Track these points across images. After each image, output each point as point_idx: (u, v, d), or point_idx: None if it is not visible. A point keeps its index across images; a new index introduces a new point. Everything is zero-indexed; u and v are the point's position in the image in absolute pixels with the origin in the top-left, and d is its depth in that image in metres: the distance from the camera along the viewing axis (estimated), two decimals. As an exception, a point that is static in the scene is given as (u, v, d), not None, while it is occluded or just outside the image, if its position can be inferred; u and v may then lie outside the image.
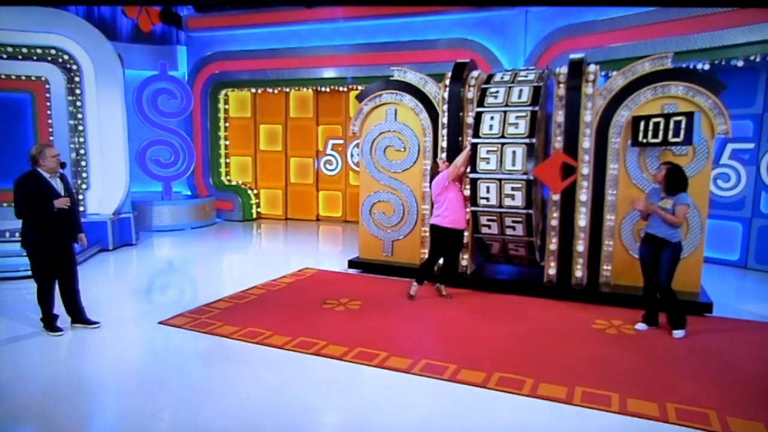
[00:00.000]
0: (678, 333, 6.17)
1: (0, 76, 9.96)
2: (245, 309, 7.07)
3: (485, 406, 4.64)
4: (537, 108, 7.54)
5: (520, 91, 7.77)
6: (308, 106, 14.56)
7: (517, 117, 7.61)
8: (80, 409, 4.61)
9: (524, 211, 7.59)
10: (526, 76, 7.98)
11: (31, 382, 5.09)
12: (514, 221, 7.70)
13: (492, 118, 7.74)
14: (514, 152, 7.56)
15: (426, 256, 8.58)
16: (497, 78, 8.17)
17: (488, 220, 7.87)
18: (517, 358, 5.58)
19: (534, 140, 7.46)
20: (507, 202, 7.63)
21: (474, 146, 7.70)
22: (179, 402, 4.70)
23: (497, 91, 7.89)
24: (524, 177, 7.49)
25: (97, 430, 4.41)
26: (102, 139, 10.77)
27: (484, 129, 7.75)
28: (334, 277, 8.79)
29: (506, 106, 7.73)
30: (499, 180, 7.63)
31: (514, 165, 7.55)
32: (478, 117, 7.84)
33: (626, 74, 7.37)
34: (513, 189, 7.57)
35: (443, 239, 7.50)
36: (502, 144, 7.62)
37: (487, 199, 7.73)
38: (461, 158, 7.47)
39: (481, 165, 7.71)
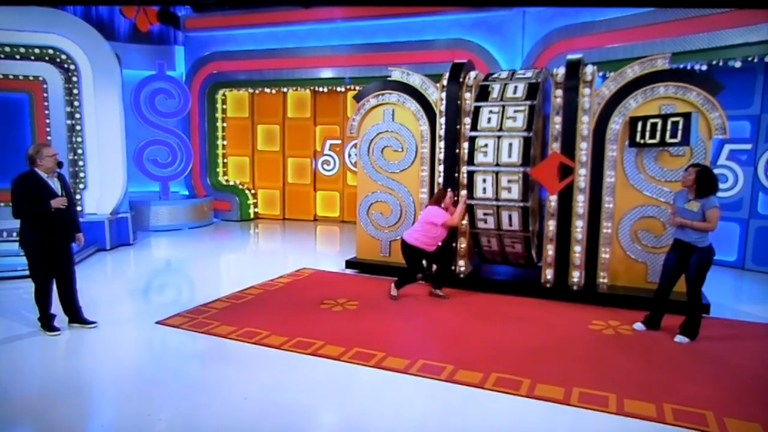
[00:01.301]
0: (682, 339, 6.09)
1: (-3, 75, 9.98)
2: (243, 309, 7.07)
3: (482, 406, 4.64)
4: (535, 102, 7.55)
5: (515, 87, 7.80)
6: (306, 107, 14.55)
7: (515, 111, 7.63)
8: (77, 408, 4.60)
9: (521, 204, 7.59)
10: (524, 74, 8.02)
11: (28, 381, 5.08)
12: (510, 214, 7.71)
13: (491, 111, 7.75)
14: (510, 144, 7.56)
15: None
16: (495, 75, 8.17)
17: (485, 213, 7.87)
18: (514, 358, 5.59)
19: (531, 134, 7.46)
20: (504, 194, 7.64)
21: (470, 187, 7.83)
22: (176, 402, 4.70)
23: (494, 88, 7.91)
24: (521, 169, 7.49)
25: (94, 430, 4.41)
26: (99, 139, 10.75)
27: (482, 123, 7.76)
28: (331, 278, 8.79)
29: (502, 100, 7.75)
30: (496, 173, 7.64)
31: (510, 157, 7.56)
32: (476, 111, 7.86)
33: (623, 75, 7.37)
34: (509, 182, 7.58)
35: (413, 255, 7.58)
36: (499, 136, 7.63)
37: (484, 190, 7.74)
38: (459, 214, 7.63)
39: (479, 157, 7.71)
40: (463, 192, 7.93)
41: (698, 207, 5.90)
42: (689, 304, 6.12)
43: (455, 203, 7.82)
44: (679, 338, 6.12)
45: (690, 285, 6.06)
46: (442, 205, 7.59)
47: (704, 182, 5.91)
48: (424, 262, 7.69)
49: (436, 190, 8.35)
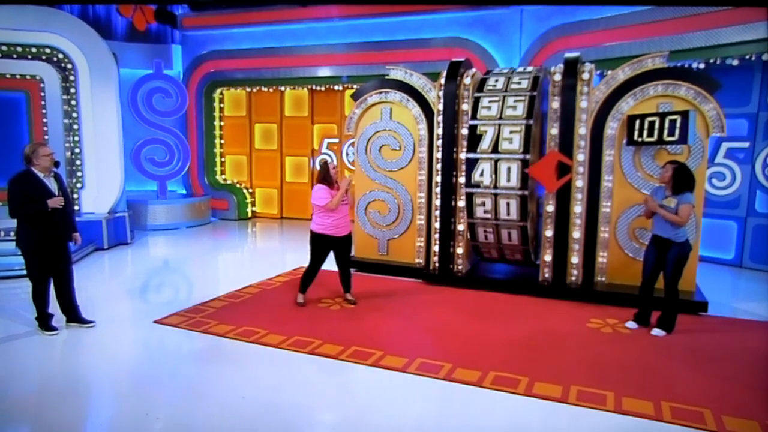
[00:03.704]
0: (658, 332, 6.21)
1: (-5, 75, 9.97)
2: (240, 308, 7.06)
3: (480, 405, 4.64)
4: (531, 121, 7.55)
5: (515, 102, 7.74)
6: (303, 105, 14.54)
7: (512, 132, 7.62)
8: (75, 408, 4.59)
9: (520, 223, 7.68)
10: (519, 83, 7.90)
11: (26, 381, 5.07)
12: (510, 232, 7.85)
13: (486, 132, 7.75)
14: (509, 168, 7.58)
15: (421, 258, 8.64)
16: (490, 84, 8.07)
17: (485, 231, 8.01)
18: (512, 357, 5.59)
19: (529, 156, 7.48)
20: (503, 215, 7.71)
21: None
22: (174, 401, 4.69)
23: (490, 106, 7.86)
24: (519, 192, 7.54)
25: (92, 429, 4.40)
26: (97, 138, 10.73)
27: (483, 146, 7.75)
28: (329, 276, 8.76)
29: (500, 119, 7.72)
30: (495, 195, 7.69)
31: (509, 181, 7.59)
32: (472, 130, 7.84)
33: (622, 73, 7.36)
34: (508, 204, 7.67)
35: (323, 246, 7.08)
36: (497, 159, 7.65)
37: (484, 211, 7.85)
38: (337, 197, 6.86)
39: (476, 179, 7.76)
40: (347, 176, 7.23)
41: (675, 203, 6.03)
42: (667, 298, 6.24)
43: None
44: (655, 331, 6.24)
45: (668, 279, 6.19)
46: (333, 180, 6.99)
47: (681, 178, 6.04)
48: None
49: (433, 188, 8.36)
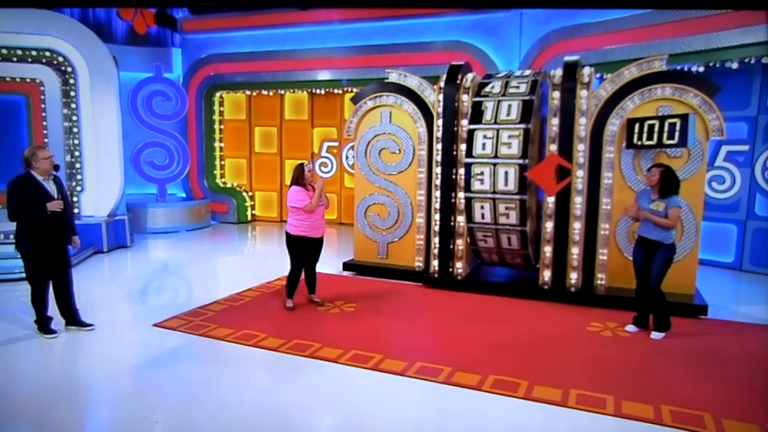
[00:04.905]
0: (657, 335, 6.23)
1: (-5, 78, 9.97)
2: (240, 311, 7.06)
3: (480, 408, 4.63)
4: (530, 125, 7.55)
5: (509, 106, 7.73)
6: (303, 109, 14.55)
7: (510, 136, 7.62)
8: (74, 411, 4.58)
9: (519, 228, 7.70)
10: (518, 87, 7.90)
11: (25, 384, 5.07)
12: (509, 236, 7.86)
13: (485, 136, 7.75)
14: (506, 172, 7.60)
15: (420, 262, 8.64)
16: (488, 89, 8.06)
17: (483, 235, 8.01)
18: (512, 360, 5.58)
19: (527, 161, 7.49)
20: (502, 220, 7.71)
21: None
22: (173, 404, 4.69)
23: (488, 110, 7.85)
24: (518, 197, 7.55)
25: (90, 434, 4.40)
26: (97, 141, 10.72)
27: (477, 149, 7.77)
28: (328, 280, 8.76)
29: (498, 123, 7.72)
30: (493, 200, 7.70)
31: (507, 185, 7.60)
32: (470, 135, 7.84)
33: (621, 76, 7.37)
34: (507, 208, 7.67)
35: (300, 248, 7.15)
36: (495, 164, 7.66)
37: (483, 216, 7.83)
38: (315, 198, 6.93)
39: (475, 185, 7.76)
40: (320, 176, 7.12)
41: (663, 206, 6.08)
42: (653, 298, 6.27)
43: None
44: (654, 335, 6.25)
45: (653, 280, 6.21)
46: (307, 182, 7.02)
47: (667, 182, 6.11)
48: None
49: (433, 190, 8.36)
